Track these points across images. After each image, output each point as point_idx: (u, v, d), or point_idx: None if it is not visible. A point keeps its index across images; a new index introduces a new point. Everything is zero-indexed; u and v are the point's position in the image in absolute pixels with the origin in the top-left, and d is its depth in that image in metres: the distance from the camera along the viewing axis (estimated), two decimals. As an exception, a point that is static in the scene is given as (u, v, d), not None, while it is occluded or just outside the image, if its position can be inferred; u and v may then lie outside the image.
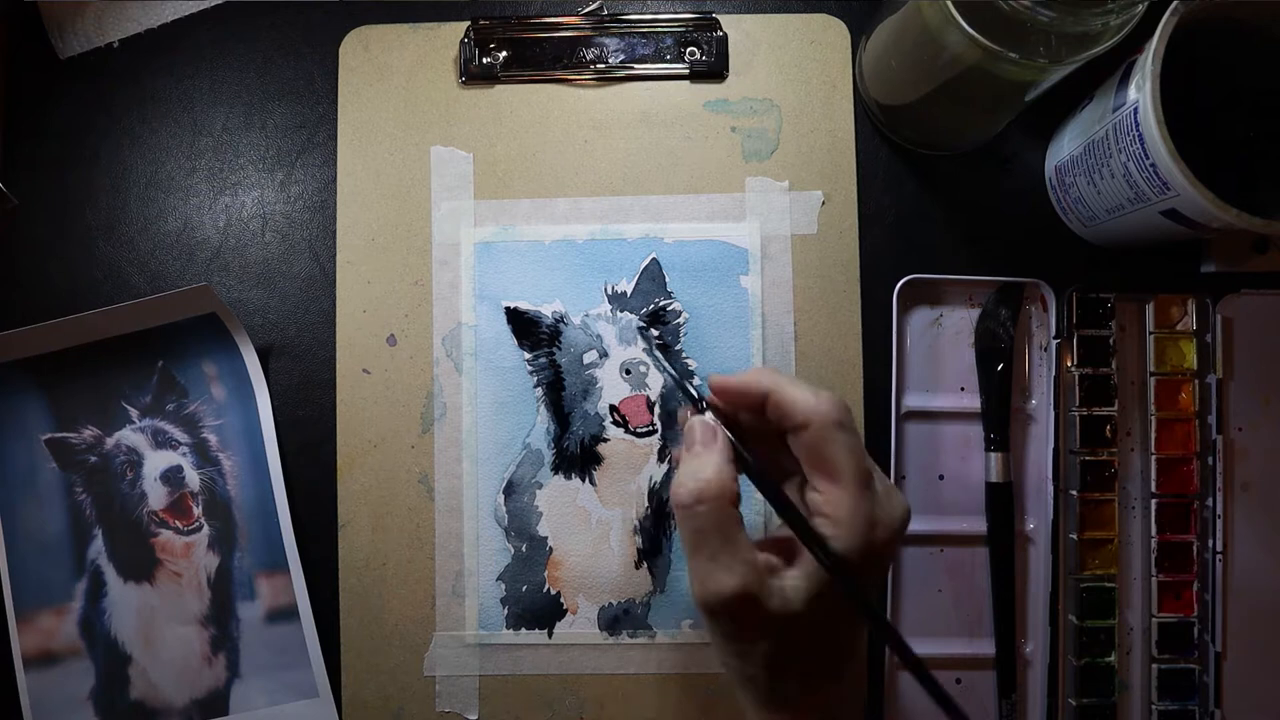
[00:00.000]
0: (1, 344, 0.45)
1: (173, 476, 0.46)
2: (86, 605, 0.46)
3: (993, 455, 0.45)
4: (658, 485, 0.46)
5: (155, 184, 0.48)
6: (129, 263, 0.48)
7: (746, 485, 0.38)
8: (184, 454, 0.46)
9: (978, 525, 0.45)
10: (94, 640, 0.46)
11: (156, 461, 0.46)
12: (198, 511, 0.46)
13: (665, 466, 0.46)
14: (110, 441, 0.46)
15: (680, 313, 0.46)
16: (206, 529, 0.46)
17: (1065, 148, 0.44)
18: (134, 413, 0.46)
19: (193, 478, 0.46)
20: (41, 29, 0.48)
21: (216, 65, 0.48)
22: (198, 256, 0.48)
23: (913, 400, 0.46)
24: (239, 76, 0.48)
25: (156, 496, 0.46)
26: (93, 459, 0.46)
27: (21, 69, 0.48)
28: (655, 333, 0.46)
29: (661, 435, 0.46)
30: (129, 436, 0.46)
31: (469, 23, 0.47)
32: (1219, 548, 0.44)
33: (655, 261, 0.46)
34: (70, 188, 0.48)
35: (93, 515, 0.46)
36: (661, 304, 0.46)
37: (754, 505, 0.45)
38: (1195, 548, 0.44)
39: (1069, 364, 0.45)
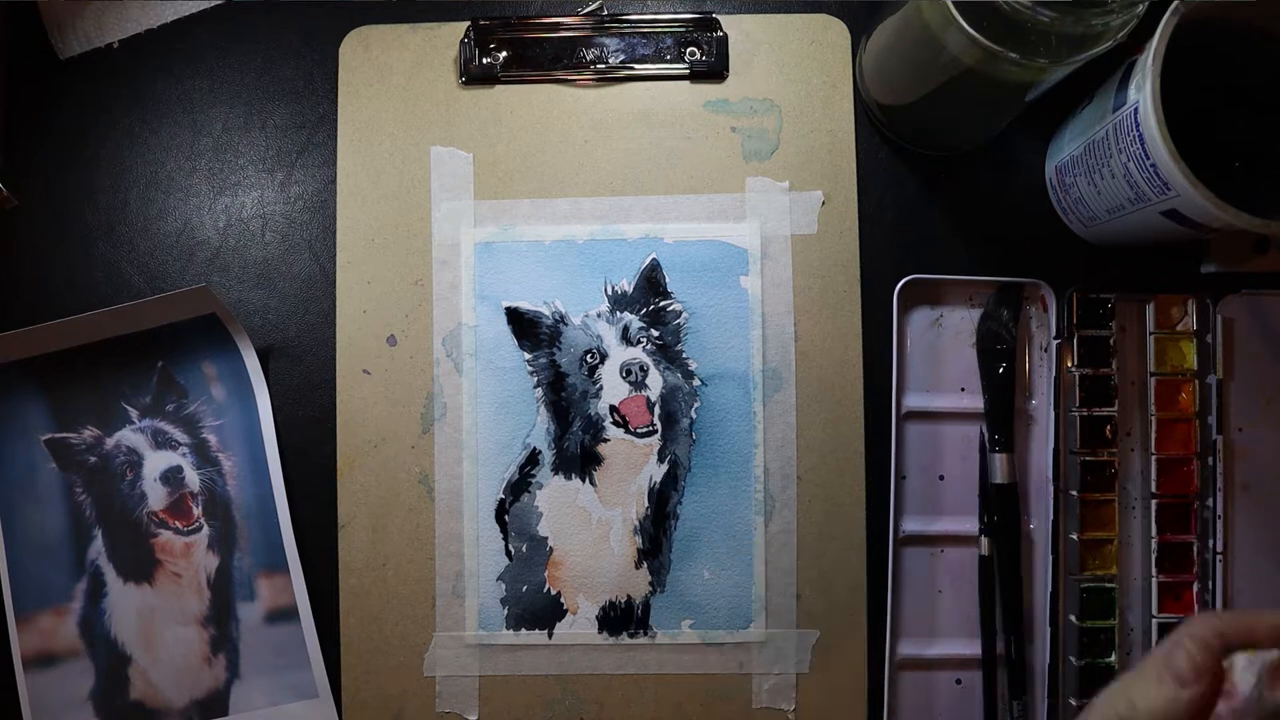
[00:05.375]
0: (1, 344, 0.45)
1: (172, 477, 0.46)
2: (86, 606, 0.46)
3: (997, 456, 0.45)
4: (657, 486, 0.46)
5: (155, 184, 0.48)
6: (129, 263, 0.48)
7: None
8: (184, 454, 0.46)
9: (978, 526, 0.45)
10: (94, 641, 0.46)
11: (156, 462, 0.46)
12: (197, 512, 0.46)
13: (665, 467, 0.46)
14: (110, 442, 0.46)
15: (680, 313, 0.46)
16: (206, 529, 0.46)
17: (1065, 148, 0.44)
18: (134, 413, 0.46)
19: (193, 478, 0.46)
20: (41, 29, 0.48)
21: (216, 65, 0.48)
22: (197, 257, 0.48)
23: (913, 400, 0.46)
24: (239, 76, 0.48)
25: (156, 497, 0.46)
26: (92, 459, 0.46)
27: (21, 69, 0.48)
28: (655, 332, 0.46)
29: (661, 436, 0.45)
30: (129, 437, 0.46)
31: (469, 23, 0.47)
32: (1219, 548, 0.44)
33: (655, 261, 0.46)
34: (70, 188, 0.48)
35: (92, 516, 0.46)
36: (661, 304, 0.46)
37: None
38: (1195, 548, 0.44)
39: (1069, 364, 0.45)
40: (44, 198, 0.48)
